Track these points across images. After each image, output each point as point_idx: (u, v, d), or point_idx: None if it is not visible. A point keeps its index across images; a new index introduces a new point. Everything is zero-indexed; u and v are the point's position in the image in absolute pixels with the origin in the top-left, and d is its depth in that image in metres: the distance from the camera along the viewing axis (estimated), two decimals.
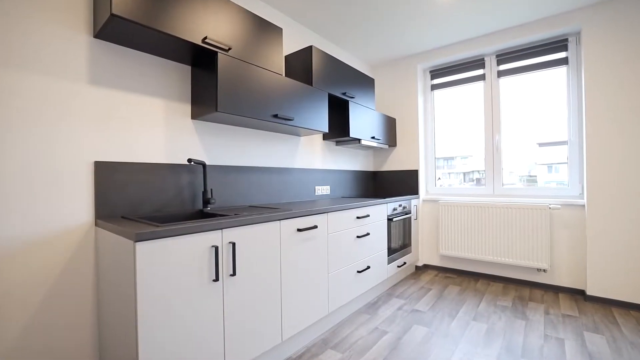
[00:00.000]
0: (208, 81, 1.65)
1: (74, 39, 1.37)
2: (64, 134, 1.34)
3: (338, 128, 2.64)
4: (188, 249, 1.20)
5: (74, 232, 1.37)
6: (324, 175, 2.83)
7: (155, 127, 1.64)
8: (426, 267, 3.32)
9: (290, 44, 2.53)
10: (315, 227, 1.80)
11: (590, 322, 2.04)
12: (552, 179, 2.76)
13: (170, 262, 1.14)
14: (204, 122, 1.87)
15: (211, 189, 1.79)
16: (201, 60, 1.70)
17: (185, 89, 1.78)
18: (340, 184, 3.05)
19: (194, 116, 1.78)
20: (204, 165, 1.75)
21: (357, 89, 2.71)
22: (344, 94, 2.54)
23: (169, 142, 1.70)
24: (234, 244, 1.35)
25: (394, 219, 2.68)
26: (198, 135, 1.84)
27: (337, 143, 2.97)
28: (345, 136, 2.60)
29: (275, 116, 1.89)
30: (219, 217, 1.39)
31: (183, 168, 1.75)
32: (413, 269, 3.26)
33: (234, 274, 1.35)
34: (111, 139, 1.48)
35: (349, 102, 2.57)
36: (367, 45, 3.06)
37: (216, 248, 1.28)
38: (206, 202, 1.76)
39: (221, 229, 1.32)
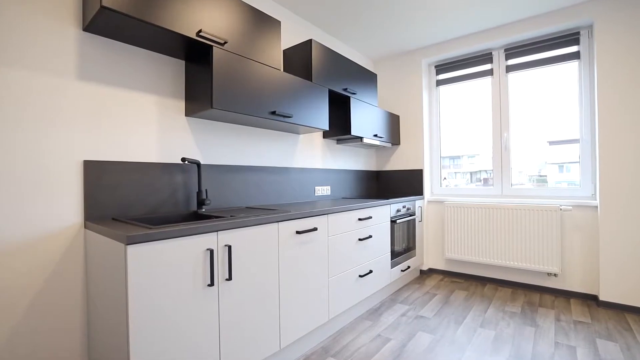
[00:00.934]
0: (203, 76, 1.65)
1: (62, 32, 1.37)
2: (51, 131, 1.34)
3: (339, 126, 2.64)
4: (182, 252, 1.20)
5: (63, 234, 1.37)
6: (324, 175, 2.83)
7: (147, 124, 1.64)
8: (431, 271, 3.32)
9: (289, 37, 2.53)
10: (315, 229, 1.80)
11: (603, 329, 2.04)
12: (563, 179, 2.77)
13: (163, 266, 1.14)
14: (199, 119, 1.87)
15: (206, 190, 1.79)
16: (196, 55, 1.70)
17: (179, 84, 1.78)
18: (341, 184, 3.05)
19: (188, 113, 1.78)
20: (198, 164, 1.75)
21: (358, 84, 2.71)
22: (345, 90, 2.54)
23: (162, 141, 1.70)
24: (230, 247, 1.35)
25: (398, 221, 2.68)
26: (192, 133, 1.84)
27: (338, 141, 2.97)
28: (347, 134, 2.60)
29: (273, 113, 1.89)
30: (215, 219, 1.39)
31: (177, 167, 1.75)
32: (417, 273, 3.26)
33: (230, 278, 1.35)
34: (101, 137, 1.48)
35: (350, 98, 2.57)
36: (369, 39, 3.07)
37: (211, 251, 1.28)
38: (201, 203, 1.76)
39: (217, 231, 1.32)
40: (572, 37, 2.64)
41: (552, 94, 2.77)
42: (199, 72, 1.68)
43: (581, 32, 2.61)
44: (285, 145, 2.44)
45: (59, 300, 1.36)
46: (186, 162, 1.67)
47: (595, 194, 2.56)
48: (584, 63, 2.61)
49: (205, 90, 1.63)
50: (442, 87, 3.37)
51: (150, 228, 1.16)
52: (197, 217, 1.72)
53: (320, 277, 1.88)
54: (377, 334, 2.01)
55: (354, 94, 2.64)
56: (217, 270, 1.32)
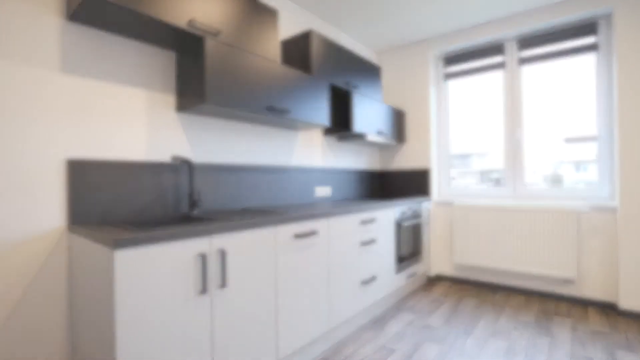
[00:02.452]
0: (195, 69, 1.65)
1: (45, 22, 1.37)
2: (32, 128, 1.34)
3: (340, 122, 2.64)
4: (172, 258, 1.20)
5: (45, 238, 1.36)
6: (325, 175, 2.84)
7: (135, 120, 1.64)
8: (439, 278, 3.32)
9: (287, 27, 2.53)
10: (315, 232, 1.81)
11: (623, 340, 2.04)
12: (580, 179, 2.77)
13: (152, 272, 1.14)
14: (190, 115, 1.87)
15: (198, 191, 1.79)
16: (187, 46, 1.70)
17: (169, 78, 1.78)
18: (343, 184, 3.05)
19: (179, 109, 1.78)
20: (190, 163, 1.75)
21: (361, 78, 2.71)
22: (346, 83, 2.54)
23: (152, 138, 1.70)
24: (223, 252, 1.35)
25: (403, 224, 2.68)
26: (183, 130, 1.84)
27: (339, 139, 2.97)
28: (348, 131, 2.60)
29: (270, 108, 1.89)
30: (207, 222, 1.39)
31: (167, 167, 1.75)
32: (424, 280, 3.26)
33: (223, 285, 1.35)
34: (86, 134, 1.48)
35: (353, 92, 2.57)
36: (372, 29, 3.07)
37: (204, 256, 1.28)
38: (193, 204, 1.76)
39: (209, 235, 1.32)
40: (589, 27, 2.64)
41: (568, 88, 2.77)
42: (191, 65, 1.68)
43: (599, 22, 2.61)
44: (283, 142, 2.45)
45: (40, 309, 1.36)
46: (177, 161, 1.67)
47: (614, 194, 2.56)
48: (602, 55, 2.61)
49: (197, 84, 1.63)
50: (450, 81, 3.38)
51: (138, 232, 1.16)
52: (188, 220, 1.72)
53: (321, 284, 1.88)
54: (381, 345, 2.01)
55: (357, 88, 2.64)
56: (210, 277, 1.32)
